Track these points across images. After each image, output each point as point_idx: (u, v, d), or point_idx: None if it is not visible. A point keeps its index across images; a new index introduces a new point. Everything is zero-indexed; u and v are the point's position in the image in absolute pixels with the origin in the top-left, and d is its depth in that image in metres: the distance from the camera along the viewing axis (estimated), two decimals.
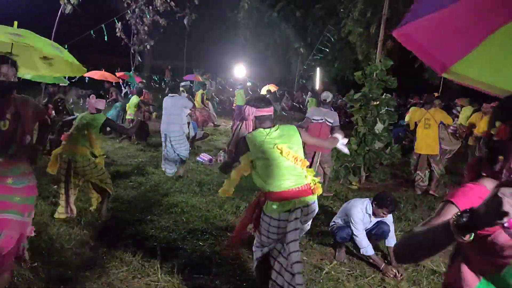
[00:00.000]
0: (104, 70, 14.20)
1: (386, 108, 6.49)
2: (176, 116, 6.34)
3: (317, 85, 20.29)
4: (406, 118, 7.34)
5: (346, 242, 3.88)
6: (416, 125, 6.44)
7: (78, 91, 14.60)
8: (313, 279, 3.41)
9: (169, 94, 6.77)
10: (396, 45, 12.17)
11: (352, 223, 3.72)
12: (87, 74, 12.90)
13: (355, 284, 3.42)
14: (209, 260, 3.57)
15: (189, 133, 9.20)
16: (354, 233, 3.69)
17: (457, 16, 1.59)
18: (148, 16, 14.35)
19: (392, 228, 3.84)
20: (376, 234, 3.84)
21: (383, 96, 6.50)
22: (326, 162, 5.94)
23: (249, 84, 21.33)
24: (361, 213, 3.74)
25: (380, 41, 6.78)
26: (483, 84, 1.94)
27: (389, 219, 3.85)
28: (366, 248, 3.65)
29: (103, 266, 3.31)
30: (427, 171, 6.36)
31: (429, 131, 6.24)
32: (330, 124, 5.83)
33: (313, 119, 5.86)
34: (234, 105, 12.73)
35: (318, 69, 19.00)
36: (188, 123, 9.78)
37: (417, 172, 6.41)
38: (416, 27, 1.70)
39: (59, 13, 10.92)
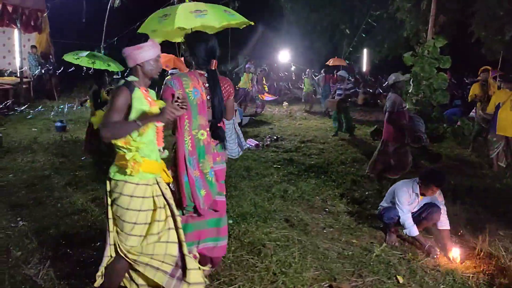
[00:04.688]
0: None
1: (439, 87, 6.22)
2: None
3: (365, 67, 19.69)
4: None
5: (394, 223, 3.80)
6: (498, 107, 6.21)
7: None
8: (364, 262, 3.39)
9: None
10: (449, 20, 11.47)
11: (397, 204, 3.67)
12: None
13: (408, 267, 3.35)
14: (259, 242, 3.65)
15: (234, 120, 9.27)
16: (399, 214, 3.64)
17: None
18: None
19: (444, 209, 3.72)
20: (426, 218, 3.74)
21: (436, 76, 6.21)
22: None
23: (293, 68, 21.13)
24: (406, 194, 3.67)
25: (432, 16, 6.44)
26: None
27: (439, 198, 3.74)
28: (410, 228, 3.61)
29: None
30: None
31: None
32: None
33: None
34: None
35: (365, 50, 18.37)
36: (235, 110, 9.93)
37: (496, 151, 6.30)
38: None
39: (108, 7, 11.38)
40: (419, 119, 5.53)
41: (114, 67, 6.54)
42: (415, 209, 3.78)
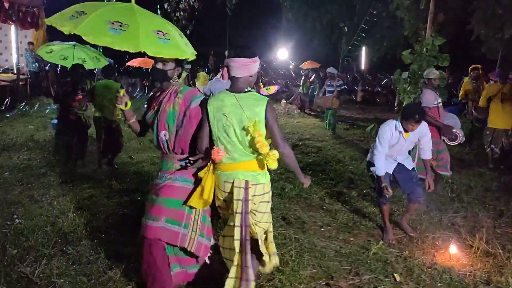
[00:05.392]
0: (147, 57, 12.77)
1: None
2: None
3: (363, 65, 19.67)
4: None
5: (384, 205, 3.85)
6: (489, 100, 6.42)
7: (128, 80, 15.01)
8: (361, 260, 3.38)
9: (215, 78, 6.53)
10: (448, 18, 11.45)
11: (378, 140, 3.70)
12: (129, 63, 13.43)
13: (405, 265, 3.35)
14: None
15: None
16: (376, 148, 3.70)
17: None
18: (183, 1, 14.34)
19: (429, 140, 3.83)
20: (409, 200, 3.88)
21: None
22: None
23: (291, 66, 21.10)
24: (388, 133, 3.69)
25: (431, 13, 6.42)
26: None
27: (423, 131, 3.76)
28: (379, 167, 3.68)
29: None
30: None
31: (505, 105, 6.23)
32: None
33: None
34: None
35: (363, 48, 18.33)
36: None
37: (491, 146, 6.44)
38: None
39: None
40: (454, 116, 5.37)
41: (90, 63, 6.46)
42: (403, 149, 3.79)
